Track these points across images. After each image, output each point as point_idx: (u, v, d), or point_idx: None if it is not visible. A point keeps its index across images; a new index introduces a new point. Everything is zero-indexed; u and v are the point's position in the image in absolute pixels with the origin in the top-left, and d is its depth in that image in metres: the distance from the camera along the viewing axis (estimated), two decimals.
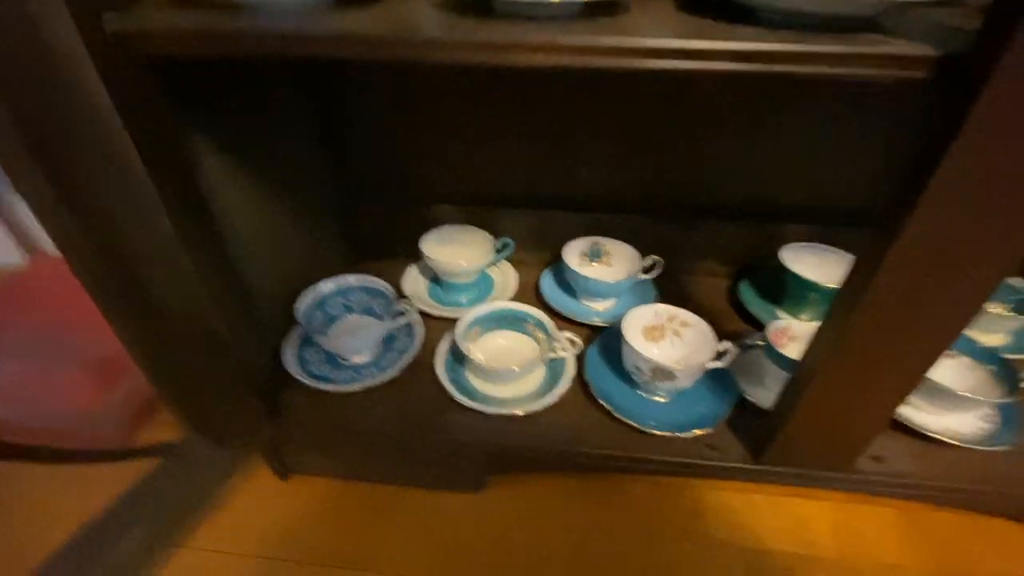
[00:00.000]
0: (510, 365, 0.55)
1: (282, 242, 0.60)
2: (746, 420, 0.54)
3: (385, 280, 0.63)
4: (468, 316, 0.60)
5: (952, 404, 0.52)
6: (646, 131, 0.64)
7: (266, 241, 0.56)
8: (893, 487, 0.53)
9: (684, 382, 0.53)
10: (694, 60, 0.31)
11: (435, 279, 0.72)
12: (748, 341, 0.60)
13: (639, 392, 0.57)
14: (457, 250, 0.69)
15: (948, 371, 0.56)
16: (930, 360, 0.40)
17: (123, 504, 0.45)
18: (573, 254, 0.69)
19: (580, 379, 0.59)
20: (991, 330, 0.64)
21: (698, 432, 0.52)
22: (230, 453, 0.51)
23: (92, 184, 0.35)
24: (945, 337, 0.39)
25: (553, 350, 0.58)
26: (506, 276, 0.74)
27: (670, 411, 0.55)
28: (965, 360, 0.56)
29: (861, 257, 0.38)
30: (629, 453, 0.52)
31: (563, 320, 0.66)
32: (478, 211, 0.73)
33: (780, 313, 0.68)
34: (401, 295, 0.69)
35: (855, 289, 0.38)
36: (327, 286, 0.61)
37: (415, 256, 0.70)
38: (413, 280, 0.73)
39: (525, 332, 0.62)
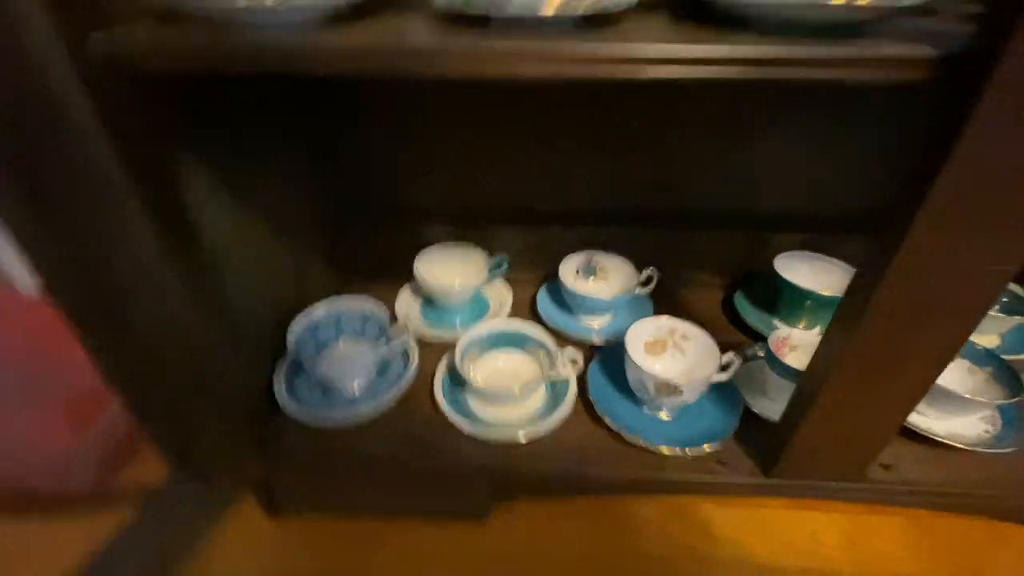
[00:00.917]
0: (511, 387, 0.53)
1: (269, 265, 0.58)
2: (753, 434, 0.53)
3: (376, 300, 0.61)
4: (466, 337, 0.58)
5: (955, 407, 0.52)
6: (638, 143, 0.64)
7: (253, 264, 0.54)
8: (903, 495, 0.52)
9: (689, 397, 0.52)
10: (692, 66, 0.31)
11: (428, 300, 0.71)
12: (749, 352, 0.59)
13: (644, 409, 0.56)
14: (451, 269, 0.67)
15: (948, 374, 0.56)
16: (939, 367, 0.40)
17: (102, 557, 0.41)
18: (568, 271, 0.68)
19: (583, 399, 0.57)
20: (983, 331, 0.64)
21: (707, 448, 0.51)
22: (216, 492, 0.48)
23: (74, 204, 0.33)
24: (953, 343, 0.38)
25: (555, 370, 0.56)
26: (501, 295, 0.73)
27: (676, 428, 0.54)
28: (964, 363, 0.57)
29: (863, 266, 0.38)
30: (638, 473, 0.51)
31: (560, 338, 0.65)
32: (470, 227, 0.72)
33: (776, 322, 0.68)
34: (394, 318, 0.67)
35: (858, 299, 0.38)
36: (319, 311, 0.59)
37: (407, 276, 0.68)
38: (406, 302, 0.71)
39: (525, 352, 0.61)
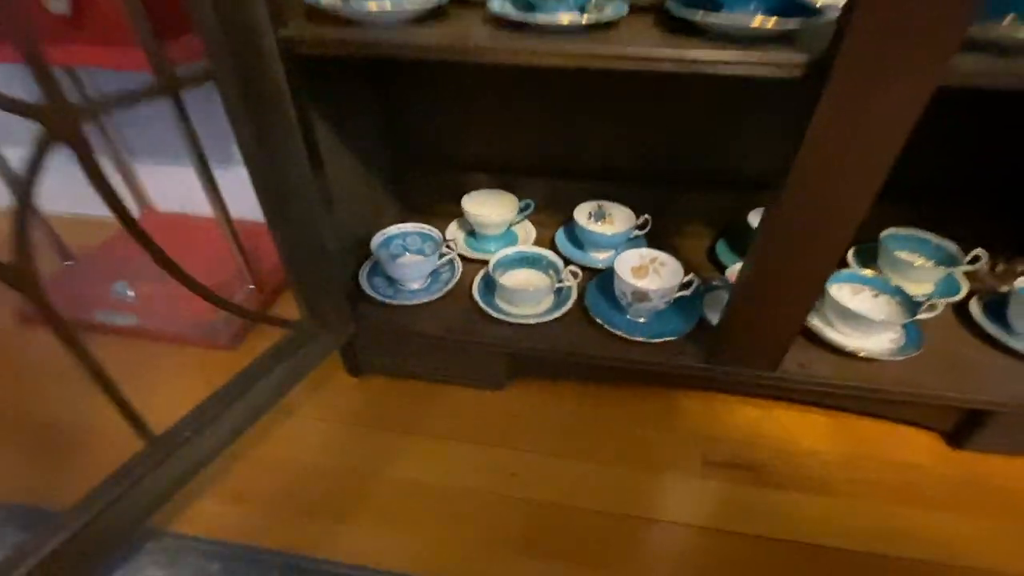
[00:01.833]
0: (527, 288, 0.73)
1: (360, 196, 0.79)
2: (705, 335, 0.72)
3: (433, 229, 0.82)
4: (498, 255, 0.78)
5: (868, 328, 0.69)
6: (640, 114, 0.81)
7: (348, 192, 0.76)
8: (814, 388, 0.69)
9: (658, 304, 0.70)
10: (661, 63, 0.48)
11: (471, 231, 0.91)
12: (715, 282, 0.77)
13: (626, 315, 0.75)
14: (489, 208, 0.87)
15: (863, 302, 0.73)
16: (822, 278, 0.57)
17: (259, 362, 0.65)
18: (582, 214, 0.87)
19: (580, 305, 0.77)
20: (921, 280, 0.79)
21: (669, 339, 0.70)
22: (328, 335, 0.71)
23: (272, 135, 0.54)
24: (827, 262, 0.55)
25: (560, 280, 0.76)
26: (527, 232, 0.92)
27: (648, 327, 0.73)
28: (880, 295, 0.73)
29: (767, 207, 0.55)
30: (616, 354, 0.70)
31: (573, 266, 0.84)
32: (505, 178, 0.91)
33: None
34: (445, 241, 0.88)
35: (764, 228, 0.55)
36: (392, 230, 0.81)
37: (455, 214, 0.89)
38: (453, 232, 0.92)
39: (540, 269, 0.81)
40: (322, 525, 0.65)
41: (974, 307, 0.74)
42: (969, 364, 0.68)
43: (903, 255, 0.78)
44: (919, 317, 0.68)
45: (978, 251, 0.76)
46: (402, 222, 0.83)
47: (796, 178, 0.49)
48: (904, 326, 0.71)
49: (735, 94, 0.77)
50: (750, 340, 0.65)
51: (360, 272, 0.80)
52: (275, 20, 0.50)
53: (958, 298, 0.77)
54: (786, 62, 0.46)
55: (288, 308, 0.91)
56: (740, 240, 0.88)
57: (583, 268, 0.83)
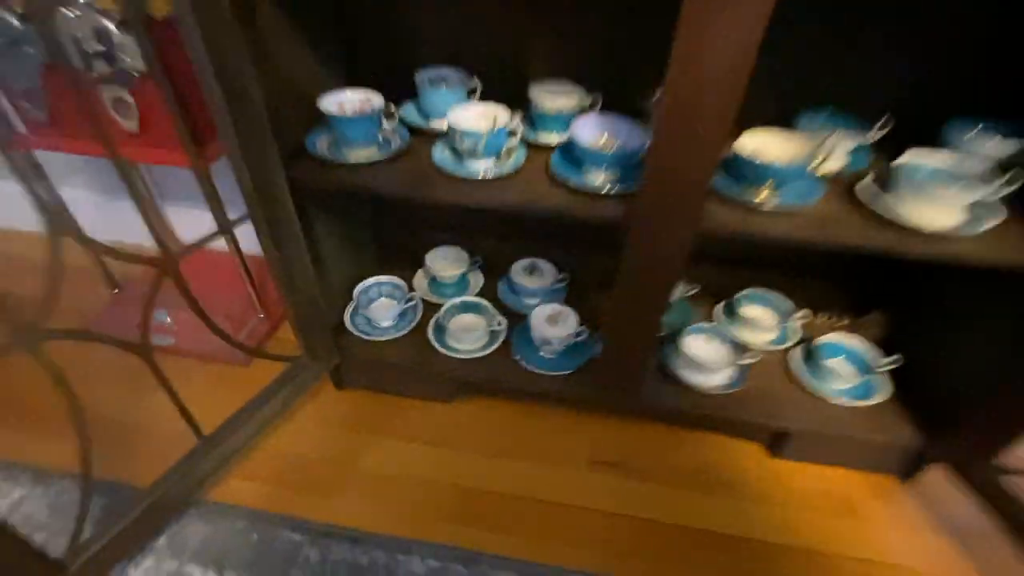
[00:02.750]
0: (469, 330, 1.00)
1: (346, 265, 1.06)
2: (592, 369, 0.99)
3: (401, 279, 1.09)
4: (447, 304, 1.05)
5: (706, 369, 0.96)
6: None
7: (339, 270, 1.02)
8: (671, 412, 0.97)
9: (558, 347, 0.97)
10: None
11: (432, 280, 1.17)
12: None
13: (539, 353, 1.02)
14: (446, 262, 1.14)
15: (712, 349, 1.00)
16: (656, 321, 0.84)
17: (271, 385, 0.92)
18: (518, 269, 1.13)
19: (507, 343, 1.03)
20: (765, 330, 1.06)
21: (565, 372, 0.97)
22: (318, 365, 0.98)
23: (284, 233, 0.80)
24: (656, 309, 0.82)
25: (494, 324, 1.02)
26: (476, 280, 1.18)
27: (553, 363, 1.00)
28: (724, 344, 1.00)
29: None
30: (527, 383, 0.97)
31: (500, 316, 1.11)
32: (462, 238, 1.17)
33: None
34: (411, 289, 1.14)
35: (612, 292, 0.82)
36: (371, 280, 1.07)
37: (420, 265, 1.16)
38: (419, 279, 1.18)
39: (480, 314, 1.07)
40: (314, 499, 0.93)
41: (794, 353, 1.02)
42: (777, 397, 0.96)
43: (750, 311, 1.05)
44: (742, 362, 0.95)
45: (806, 310, 1.03)
46: (379, 273, 1.09)
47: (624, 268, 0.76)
48: (738, 366, 0.99)
49: None
50: (616, 374, 0.92)
51: (345, 312, 1.06)
52: (285, 165, 0.75)
53: (787, 346, 1.04)
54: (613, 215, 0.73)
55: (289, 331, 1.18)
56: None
57: (516, 313, 1.10)
